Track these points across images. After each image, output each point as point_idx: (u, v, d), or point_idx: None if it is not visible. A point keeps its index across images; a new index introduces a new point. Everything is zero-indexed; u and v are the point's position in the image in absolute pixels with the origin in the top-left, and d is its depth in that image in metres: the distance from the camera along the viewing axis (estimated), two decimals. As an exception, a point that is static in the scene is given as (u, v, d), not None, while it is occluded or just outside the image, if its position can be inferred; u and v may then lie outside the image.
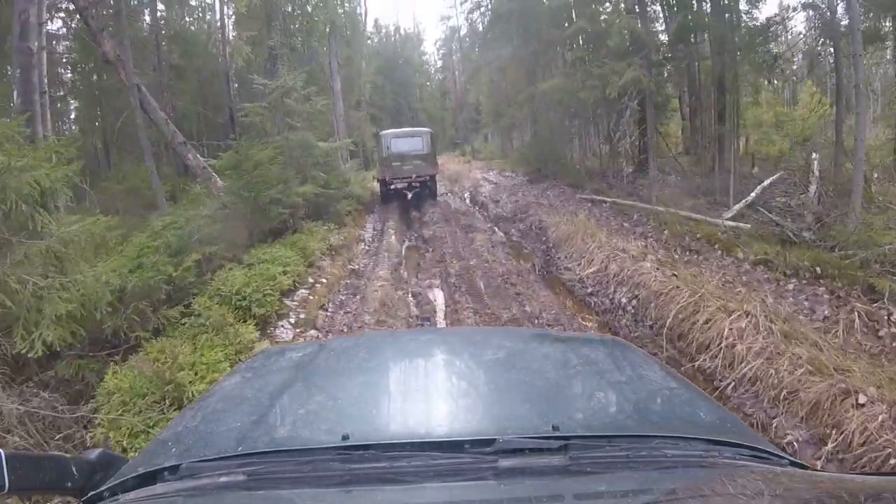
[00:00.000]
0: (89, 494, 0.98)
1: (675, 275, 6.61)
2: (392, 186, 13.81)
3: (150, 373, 4.04)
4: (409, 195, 14.30)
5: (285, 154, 8.54)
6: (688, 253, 7.82)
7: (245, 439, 1.01)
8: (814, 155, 16.12)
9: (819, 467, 3.34)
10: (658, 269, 6.84)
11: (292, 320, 5.80)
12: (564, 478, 0.87)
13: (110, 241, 6.36)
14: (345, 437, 0.94)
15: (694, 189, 13.06)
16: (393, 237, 10.37)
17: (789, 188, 13.89)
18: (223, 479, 0.90)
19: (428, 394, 1.24)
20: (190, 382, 4.14)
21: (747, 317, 5.25)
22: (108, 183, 11.83)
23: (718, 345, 5.13)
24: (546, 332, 2.95)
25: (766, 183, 12.46)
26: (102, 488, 0.97)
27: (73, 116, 17.17)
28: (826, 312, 5.97)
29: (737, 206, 10.47)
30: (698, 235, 8.24)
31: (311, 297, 6.41)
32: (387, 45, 45.04)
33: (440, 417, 1.11)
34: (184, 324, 5.22)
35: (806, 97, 18.18)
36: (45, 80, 7.76)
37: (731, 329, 5.17)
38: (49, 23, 14.50)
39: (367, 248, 9.64)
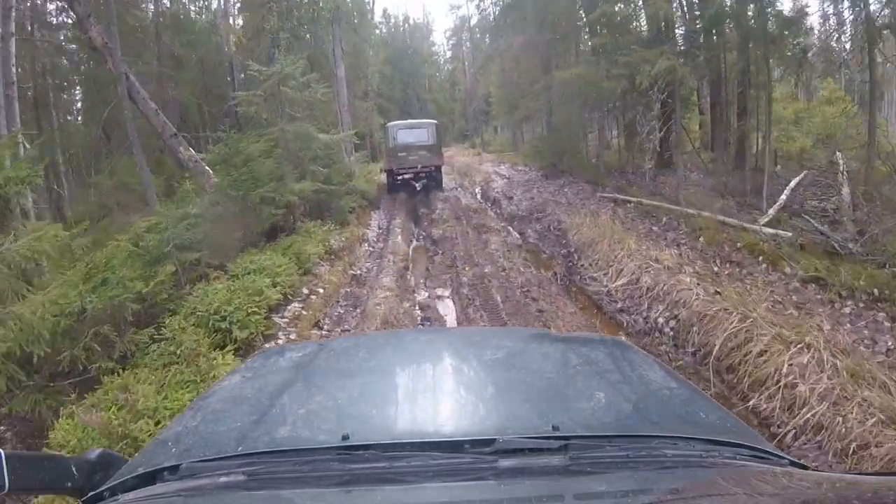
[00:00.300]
0: (89, 494, 0.96)
1: (718, 292, 5.77)
2: (399, 177, 13.88)
3: (98, 426, 3.24)
4: (418, 186, 14.25)
5: (282, 147, 7.69)
6: (728, 265, 6.92)
7: (245, 439, 0.98)
8: (837, 154, 15.30)
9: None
10: (698, 284, 5.98)
11: (281, 341, 4.98)
12: (564, 478, 0.85)
13: (77, 251, 5.60)
14: (345, 437, 0.92)
15: (721, 188, 12.13)
16: (399, 237, 9.51)
17: (819, 190, 13.04)
18: (223, 479, 0.88)
19: (428, 394, 1.19)
20: (149, 435, 3.33)
21: (808, 350, 4.48)
22: (101, 178, 11.05)
23: (776, 383, 4.36)
24: (546, 332, 2.71)
25: (793, 183, 11.62)
26: (102, 488, 0.95)
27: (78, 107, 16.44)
28: (889, 344, 5.16)
29: (772, 211, 9.59)
30: (738, 244, 7.33)
31: (305, 312, 5.60)
32: (395, 34, 44.23)
33: (440, 417, 1.09)
34: (154, 350, 4.42)
35: (825, 94, 17.33)
36: (15, 70, 6.95)
37: (790, 365, 4.38)
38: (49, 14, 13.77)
39: (370, 249, 8.80)
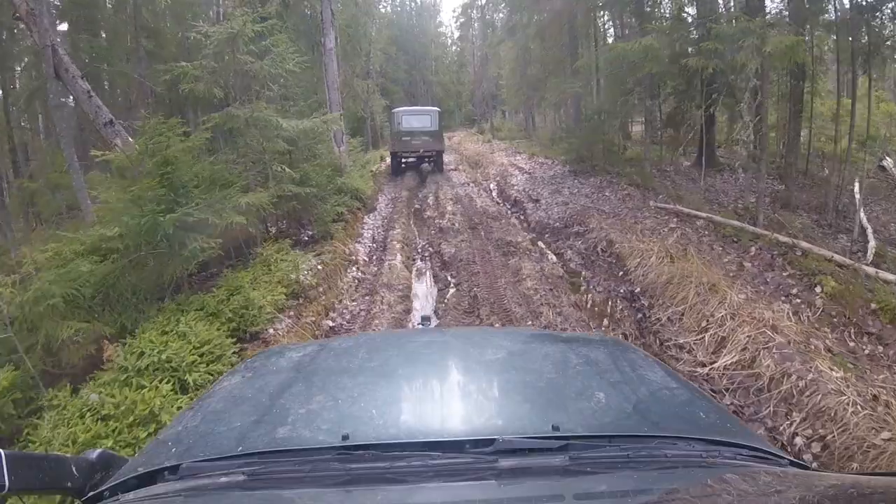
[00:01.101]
0: (89, 494, 0.94)
1: (875, 397, 3.60)
2: (403, 159, 14.34)
3: None
4: (427, 166, 14.41)
5: (238, 137, 5.31)
6: (866, 339, 4.63)
7: (245, 439, 0.96)
8: (888, 160, 13.25)
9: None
10: (846, 382, 3.77)
11: None
12: (564, 478, 0.83)
13: None
14: (345, 438, 0.90)
15: (787, 199, 9.79)
16: (398, 256, 7.18)
17: (891, 204, 10.92)
18: (223, 479, 0.85)
19: (428, 394, 1.16)
20: None
21: None
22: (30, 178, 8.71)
23: None
24: (546, 332, 2.61)
25: (858, 195, 9.34)
26: (102, 488, 0.93)
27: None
28: None
29: (872, 242, 7.28)
30: (873, 305, 4.99)
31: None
32: (401, 13, 41.49)
33: (440, 417, 1.05)
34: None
35: (861, 91, 15.19)
36: None
37: None
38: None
39: (359, 277, 6.45)
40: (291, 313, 4.70)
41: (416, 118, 14.06)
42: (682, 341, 4.70)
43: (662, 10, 9.15)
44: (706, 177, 11.46)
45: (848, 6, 9.27)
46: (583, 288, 6.02)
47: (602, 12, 12.24)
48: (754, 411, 3.96)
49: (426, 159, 14.34)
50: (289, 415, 1.03)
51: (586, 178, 10.76)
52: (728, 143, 14.60)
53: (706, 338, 4.60)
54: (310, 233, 6.43)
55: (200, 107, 8.89)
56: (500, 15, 35.49)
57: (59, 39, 7.88)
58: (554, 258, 7.03)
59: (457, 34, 47.61)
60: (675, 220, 7.58)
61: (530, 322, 4.90)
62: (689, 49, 7.10)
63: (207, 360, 3.34)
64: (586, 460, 0.84)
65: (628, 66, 8.19)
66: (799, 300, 5.22)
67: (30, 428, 2.95)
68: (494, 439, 0.86)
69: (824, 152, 12.17)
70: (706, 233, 7.10)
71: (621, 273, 6.24)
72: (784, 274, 5.75)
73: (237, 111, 5.11)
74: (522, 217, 9.24)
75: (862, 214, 8.61)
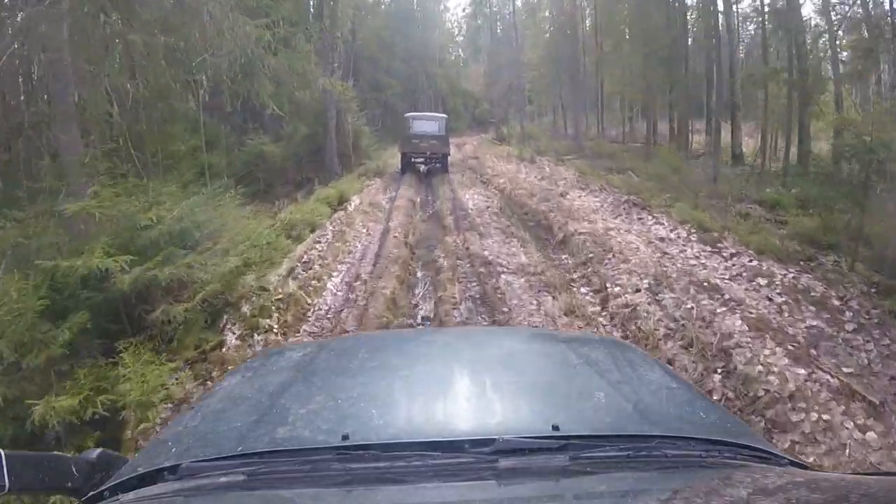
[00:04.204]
0: (89, 494, 0.87)
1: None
2: (412, 160, 14.57)
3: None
4: (424, 168, 14.45)
5: None
6: None
7: (245, 439, 0.89)
8: None
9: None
10: None
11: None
12: (564, 478, 0.79)
13: None
14: (345, 437, 0.84)
15: None
16: None
17: None
18: (223, 479, 0.79)
19: (428, 393, 1.06)
20: None
21: None
22: None
23: None
24: (546, 332, 2.43)
25: None
26: (102, 488, 0.86)
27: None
28: None
29: None
30: None
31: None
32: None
33: (440, 417, 0.97)
34: None
35: None
36: None
37: None
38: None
39: None
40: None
41: (426, 123, 14.38)
42: None
43: None
44: None
45: None
46: None
47: None
48: None
49: (432, 160, 14.48)
50: (289, 415, 0.94)
51: None
52: None
53: None
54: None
55: None
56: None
57: None
58: None
59: (464, 25, 38.53)
60: None
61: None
62: None
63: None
64: (586, 460, 0.79)
65: None
66: None
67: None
68: (494, 439, 0.80)
69: None
70: None
71: None
72: None
73: None
74: None
75: None
